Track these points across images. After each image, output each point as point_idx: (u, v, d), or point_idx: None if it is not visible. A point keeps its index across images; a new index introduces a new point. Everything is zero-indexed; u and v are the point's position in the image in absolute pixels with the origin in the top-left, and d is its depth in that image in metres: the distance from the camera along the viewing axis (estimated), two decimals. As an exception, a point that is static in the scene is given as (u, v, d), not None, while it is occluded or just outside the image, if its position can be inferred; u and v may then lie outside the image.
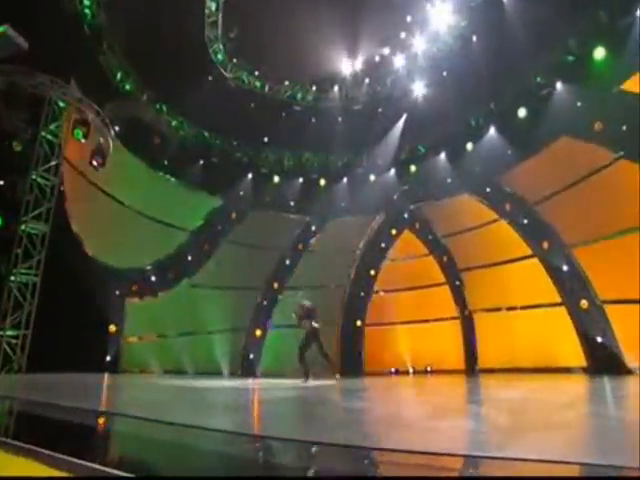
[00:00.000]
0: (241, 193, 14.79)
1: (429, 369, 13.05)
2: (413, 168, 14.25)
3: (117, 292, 11.17)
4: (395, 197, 14.72)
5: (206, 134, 14.65)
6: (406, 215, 15.08)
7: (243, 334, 13.62)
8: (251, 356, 13.46)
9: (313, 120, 14.54)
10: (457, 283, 13.56)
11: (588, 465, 1.75)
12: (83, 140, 8.87)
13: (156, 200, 12.88)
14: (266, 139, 15.24)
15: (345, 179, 15.18)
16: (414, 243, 14.83)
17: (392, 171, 14.71)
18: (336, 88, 14.09)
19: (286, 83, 14.17)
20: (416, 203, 14.48)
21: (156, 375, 11.05)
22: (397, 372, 13.49)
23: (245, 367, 13.08)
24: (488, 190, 12.83)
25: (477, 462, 1.84)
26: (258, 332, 13.80)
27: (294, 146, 15.21)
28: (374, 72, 13.61)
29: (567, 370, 10.09)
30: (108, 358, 10.62)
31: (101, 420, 3.20)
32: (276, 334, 13.93)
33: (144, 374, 10.96)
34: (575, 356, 10.18)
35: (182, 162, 13.77)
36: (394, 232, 15.34)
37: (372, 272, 15.20)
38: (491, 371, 11.38)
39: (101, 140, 9.50)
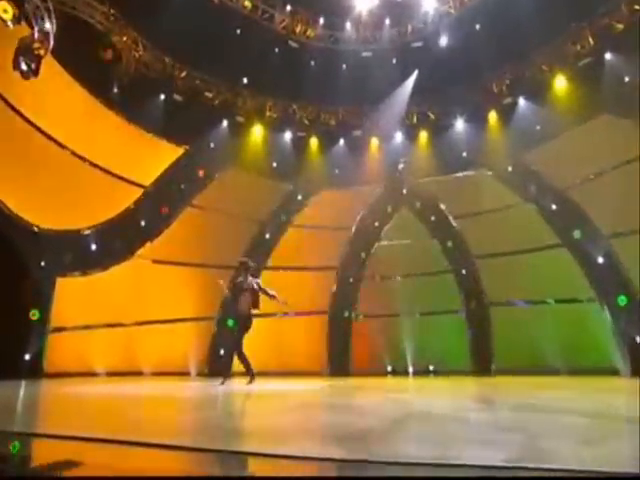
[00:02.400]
0: (211, 145, 12.09)
1: (431, 368, 11.86)
2: (424, 136, 12.66)
3: (42, 264, 8.12)
4: (400, 167, 13.07)
5: (167, 61, 11.58)
6: (405, 191, 13.58)
7: (212, 324, 11.21)
8: (222, 351, 11.13)
9: (312, 63, 12.22)
10: (464, 272, 12.45)
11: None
12: (10, 23, 5.77)
13: (104, 144, 9.80)
14: (246, 79, 12.59)
15: (342, 141, 13.14)
16: (413, 224, 13.43)
17: (398, 137, 12.99)
18: (348, 25, 11.84)
19: (287, 8, 11.54)
20: (424, 177, 12.98)
21: (98, 379, 8.33)
22: (394, 372, 12.13)
23: (214, 365, 10.76)
24: (510, 168, 11.72)
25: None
26: (230, 322, 11.44)
27: (281, 93, 12.77)
28: (396, 12, 11.59)
29: (596, 371, 9.38)
30: (27, 357, 7.65)
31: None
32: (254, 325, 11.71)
33: (77, 378, 8.19)
34: (607, 357, 9.52)
35: (137, 95, 10.69)
36: (389, 209, 13.79)
37: (363, 254, 13.57)
38: (508, 372, 10.44)
39: (37, 33, 6.42)
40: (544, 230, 10.89)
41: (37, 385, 6.76)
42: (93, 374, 8.46)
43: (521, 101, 11.36)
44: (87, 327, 8.78)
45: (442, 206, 12.81)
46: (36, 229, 7.97)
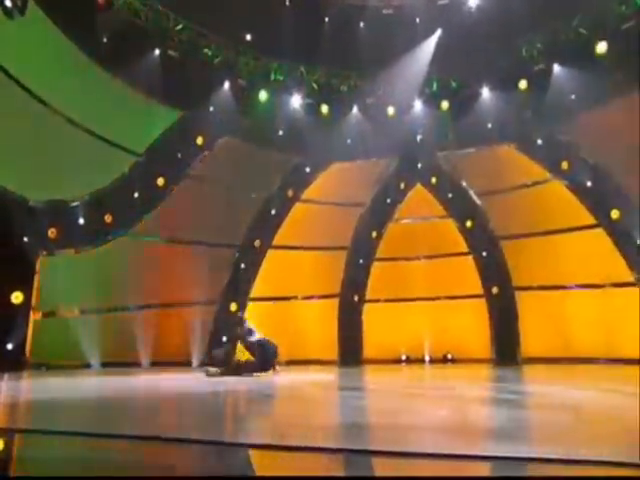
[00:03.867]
0: (211, 109, 11.08)
1: (449, 357, 11.42)
2: (445, 105, 11.88)
3: (25, 239, 7.18)
4: (418, 139, 12.31)
5: (162, 10, 10.43)
6: (420, 165, 12.87)
7: (213, 309, 10.46)
8: (224, 338, 10.42)
9: (326, 19, 11.22)
10: (484, 254, 11.92)
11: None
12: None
13: (90, 102, 8.76)
14: (249, 36, 11.53)
15: (355, 109, 12.26)
16: (428, 202, 12.79)
17: (417, 106, 12.18)
18: (369, -26, 10.83)
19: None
20: (443, 151, 12.27)
21: (91, 371, 7.56)
22: (408, 360, 11.67)
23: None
24: (540, 142, 11.09)
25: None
26: (234, 306, 10.73)
27: (289, 53, 11.74)
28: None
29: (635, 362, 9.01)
30: (9, 347, 6.79)
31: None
32: (259, 309, 11.04)
33: (67, 370, 7.39)
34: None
35: (129, 50, 9.60)
36: (402, 186, 13.09)
37: (374, 234, 12.92)
38: (535, 361, 10.05)
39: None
40: (577, 209, 10.37)
41: (28, 379, 5.96)
42: (85, 365, 7.66)
43: (555, 68, 10.64)
44: (77, 312, 7.96)
45: (463, 182, 12.17)
46: (17, 199, 7.02)
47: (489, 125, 11.39)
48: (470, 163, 11.80)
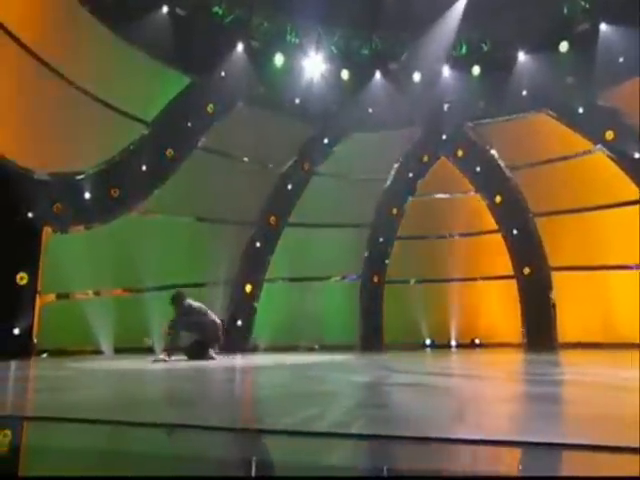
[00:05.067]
0: (222, 74, 10.48)
1: (477, 342, 11.12)
2: (476, 70, 11.22)
3: (30, 215, 6.75)
4: (445, 108, 11.71)
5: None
6: (445, 137, 12.31)
7: (227, 290, 10.11)
8: (239, 322, 10.12)
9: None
10: (515, 232, 11.48)
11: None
12: None
13: (97, 67, 8.22)
14: (263, -6, 10.82)
15: (377, 75, 11.62)
16: (453, 176, 12.28)
17: (445, 71, 11.52)
18: None
19: None
20: (473, 120, 11.69)
21: (103, 358, 7.25)
22: (433, 345, 11.38)
23: (231, 337, 9.74)
24: (581, 110, 10.49)
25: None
26: (248, 287, 10.37)
27: (305, 12, 11.04)
28: None
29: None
30: (16, 331, 6.44)
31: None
32: (275, 289, 10.71)
33: (76, 356, 7.08)
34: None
35: (134, 7, 8.97)
36: (426, 159, 12.56)
37: (395, 211, 12.46)
38: (571, 346, 9.72)
39: None
40: (622, 183, 9.86)
41: (39, 365, 5.66)
42: (95, 352, 7.34)
43: (602, 27, 9.95)
44: (90, 294, 7.59)
45: (493, 154, 11.61)
46: (20, 170, 6.55)
47: (524, 92, 10.76)
48: (502, 133, 11.21)
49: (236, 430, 1.94)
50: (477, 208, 12.07)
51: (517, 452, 1.67)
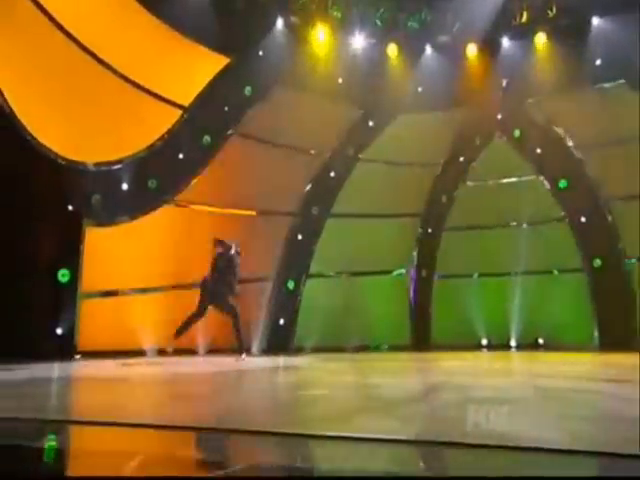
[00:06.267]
0: (260, 53, 10.17)
1: (541, 342, 10.58)
2: (540, 39, 10.54)
3: (70, 208, 6.64)
4: (504, 84, 11.10)
5: None
6: (500, 116, 11.71)
7: (268, 287, 9.90)
8: (281, 321, 9.90)
9: None
10: (583, 219, 10.82)
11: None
12: None
13: (127, 45, 8.03)
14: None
15: (427, 50, 11.09)
16: (509, 158, 11.67)
17: (504, 42, 10.89)
18: None
19: None
20: (535, 96, 11.04)
21: (147, 359, 7.13)
22: (490, 346, 10.90)
23: (272, 338, 9.55)
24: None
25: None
26: (291, 284, 10.13)
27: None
28: None
29: None
30: (59, 331, 6.36)
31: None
32: (318, 286, 10.43)
33: (120, 357, 6.98)
34: None
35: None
36: (478, 141, 11.99)
37: (444, 198, 11.96)
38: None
39: None
40: None
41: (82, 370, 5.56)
42: (138, 353, 7.22)
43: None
44: (131, 292, 7.48)
45: (560, 132, 10.91)
46: (61, 161, 6.42)
47: (598, 61, 10.03)
48: (571, 109, 10.46)
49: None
50: (537, 194, 11.45)
51: None
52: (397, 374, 5.77)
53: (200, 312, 6.66)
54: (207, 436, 2.16)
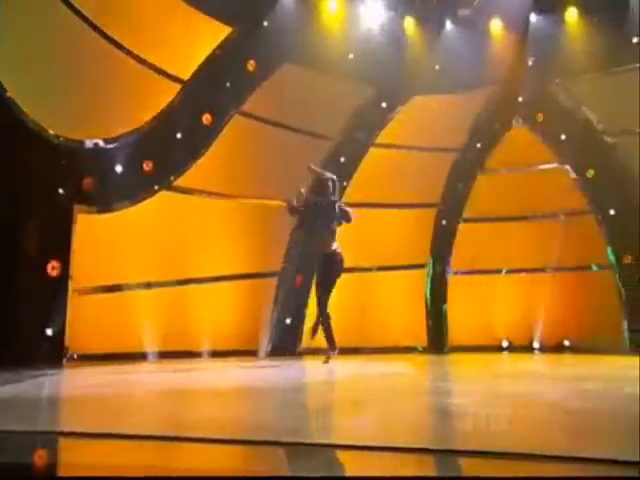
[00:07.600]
0: (265, 24, 9.72)
1: (567, 344, 10.41)
2: (572, 14, 10.26)
3: (60, 191, 6.13)
4: (530, 63, 10.82)
5: None
6: (521, 99, 11.47)
7: (274, 282, 9.51)
8: (287, 321, 9.52)
9: None
10: (612, 212, 10.64)
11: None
12: None
13: (125, 12, 7.52)
14: None
15: (447, 25, 10.74)
16: (531, 146, 11.44)
17: (532, 18, 10.59)
18: None
19: None
20: (562, 77, 10.78)
21: (145, 364, 6.70)
22: (510, 347, 10.70)
23: (278, 340, 9.19)
24: None
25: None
26: (299, 279, 9.74)
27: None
28: None
29: None
30: (49, 332, 5.86)
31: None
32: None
33: (115, 362, 6.54)
34: None
35: None
36: (497, 126, 11.75)
37: (460, 187, 11.70)
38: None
39: None
40: None
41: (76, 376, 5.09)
42: (135, 355, 6.78)
43: None
44: (121, 287, 7.00)
45: (590, 116, 10.67)
46: (49, 138, 5.89)
47: (635, 39, 9.78)
48: (602, 90, 10.21)
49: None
50: (562, 184, 11.23)
51: None
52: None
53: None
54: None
